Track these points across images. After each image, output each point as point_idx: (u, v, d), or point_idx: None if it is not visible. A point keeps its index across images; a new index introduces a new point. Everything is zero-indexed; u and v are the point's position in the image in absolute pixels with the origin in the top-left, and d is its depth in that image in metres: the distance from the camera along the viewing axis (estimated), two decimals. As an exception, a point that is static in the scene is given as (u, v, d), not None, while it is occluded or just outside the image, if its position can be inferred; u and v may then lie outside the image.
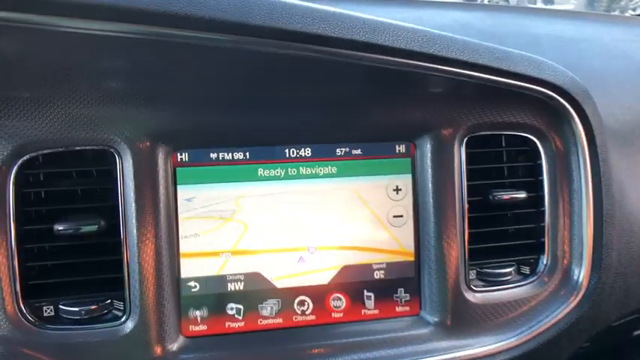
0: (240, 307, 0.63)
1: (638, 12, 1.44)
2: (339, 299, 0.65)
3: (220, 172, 0.62)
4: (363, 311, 0.66)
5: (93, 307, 0.58)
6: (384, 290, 0.66)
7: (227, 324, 0.63)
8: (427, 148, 0.65)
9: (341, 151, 0.65)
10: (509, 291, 0.66)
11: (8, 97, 0.55)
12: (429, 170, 0.65)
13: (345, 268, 0.65)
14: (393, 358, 0.63)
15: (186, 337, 0.62)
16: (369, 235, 0.65)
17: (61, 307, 0.58)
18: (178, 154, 0.61)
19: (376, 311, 0.66)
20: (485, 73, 0.59)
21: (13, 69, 0.53)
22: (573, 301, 0.66)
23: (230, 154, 0.63)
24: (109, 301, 0.60)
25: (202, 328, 0.63)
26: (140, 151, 0.58)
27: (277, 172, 0.63)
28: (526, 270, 0.68)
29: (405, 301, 0.66)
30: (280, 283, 0.64)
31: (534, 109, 0.65)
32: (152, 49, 0.51)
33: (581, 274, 0.66)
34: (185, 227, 0.62)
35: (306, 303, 0.65)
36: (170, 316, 0.60)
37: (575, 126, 0.64)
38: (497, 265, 0.67)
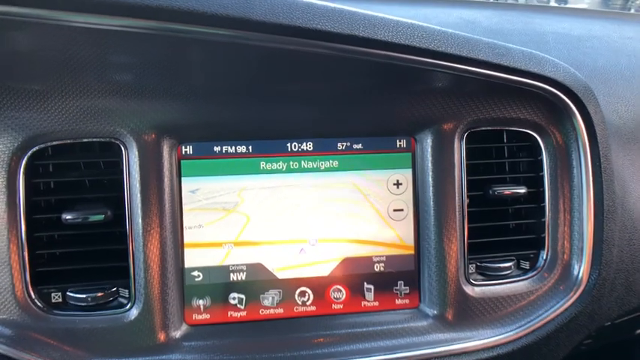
0: (243, 296, 0.65)
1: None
2: (340, 291, 0.66)
3: (224, 165, 0.64)
4: (362, 303, 0.67)
5: (99, 294, 0.60)
6: (384, 283, 0.67)
7: (229, 313, 0.65)
8: (428, 142, 0.66)
9: (342, 145, 0.66)
10: (508, 285, 0.67)
11: (19, 89, 0.57)
12: (430, 165, 0.65)
13: (346, 261, 0.66)
14: (392, 349, 0.64)
15: (189, 325, 0.64)
16: (369, 229, 0.66)
17: (68, 293, 0.60)
18: (183, 147, 0.63)
19: (376, 303, 0.67)
20: (486, 69, 0.60)
21: (25, 62, 0.55)
22: (573, 297, 0.66)
23: (233, 148, 0.64)
24: (115, 288, 0.62)
25: (205, 316, 0.64)
26: (146, 143, 0.60)
27: (279, 166, 0.65)
28: (526, 265, 0.69)
29: (404, 293, 0.67)
30: (282, 274, 0.65)
31: (535, 104, 0.66)
32: (157, 44, 0.52)
33: (581, 269, 0.66)
34: (189, 218, 0.63)
35: (307, 294, 0.66)
36: (174, 305, 0.62)
37: (576, 122, 0.64)
38: (497, 260, 0.67)
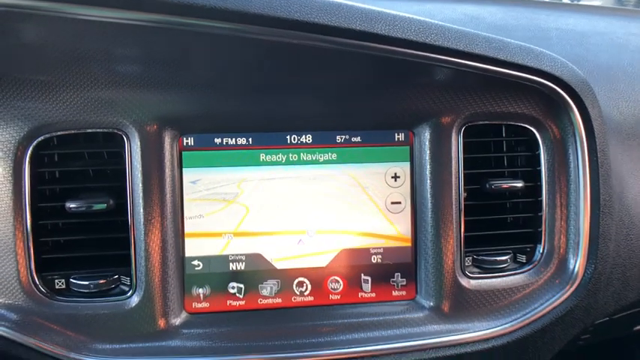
0: (241, 286, 0.66)
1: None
2: (337, 282, 0.67)
3: (224, 157, 0.65)
4: (360, 294, 0.68)
5: (101, 281, 0.62)
6: (381, 274, 0.68)
7: (228, 302, 0.66)
8: (426, 136, 0.66)
9: (341, 138, 0.67)
10: (504, 278, 0.67)
11: (26, 80, 0.58)
12: (427, 158, 0.66)
13: (343, 252, 0.67)
14: (388, 340, 0.65)
15: (189, 313, 0.65)
16: (367, 221, 0.67)
17: (71, 280, 0.62)
18: (184, 139, 0.64)
19: (373, 294, 0.68)
20: (483, 63, 0.60)
21: (32, 54, 0.56)
22: (568, 290, 0.66)
23: (234, 140, 0.65)
24: (117, 276, 0.63)
25: (205, 305, 0.65)
26: (148, 134, 0.61)
27: (279, 158, 0.66)
28: (522, 258, 0.69)
29: (401, 285, 0.68)
30: (280, 265, 0.66)
31: (533, 99, 0.66)
32: (159, 37, 0.54)
33: (577, 263, 0.66)
34: (190, 208, 0.65)
35: (305, 284, 0.67)
36: (174, 293, 0.63)
37: (573, 116, 0.65)
38: (494, 253, 0.68)
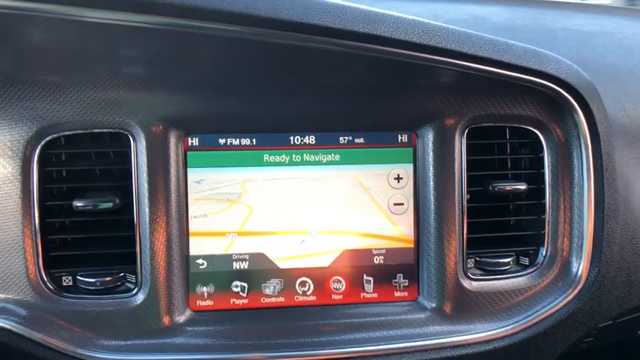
0: (245, 285, 0.67)
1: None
2: (339, 282, 0.68)
3: (228, 157, 0.66)
4: (362, 294, 0.68)
5: (107, 278, 0.63)
6: (384, 275, 0.68)
7: (232, 300, 0.67)
8: (429, 138, 0.66)
9: (344, 139, 0.67)
10: (506, 280, 0.67)
11: (35, 81, 0.59)
12: (430, 160, 0.66)
13: (346, 253, 0.67)
14: (389, 340, 0.65)
15: (193, 311, 0.66)
16: (369, 222, 0.67)
17: (78, 277, 0.63)
18: (189, 139, 0.65)
19: (375, 295, 0.68)
20: (487, 65, 0.60)
21: (40, 55, 0.57)
22: (571, 293, 0.66)
23: (238, 140, 0.66)
24: (123, 274, 0.64)
25: (209, 303, 0.66)
26: (153, 134, 0.62)
27: (282, 158, 0.66)
28: (525, 261, 0.69)
29: (403, 286, 0.68)
30: (283, 264, 0.67)
31: (537, 101, 0.66)
32: (165, 39, 0.54)
33: (581, 266, 0.66)
34: (194, 208, 0.65)
35: (307, 284, 0.67)
36: (179, 291, 0.64)
37: (577, 119, 0.64)
38: (496, 255, 0.68)
